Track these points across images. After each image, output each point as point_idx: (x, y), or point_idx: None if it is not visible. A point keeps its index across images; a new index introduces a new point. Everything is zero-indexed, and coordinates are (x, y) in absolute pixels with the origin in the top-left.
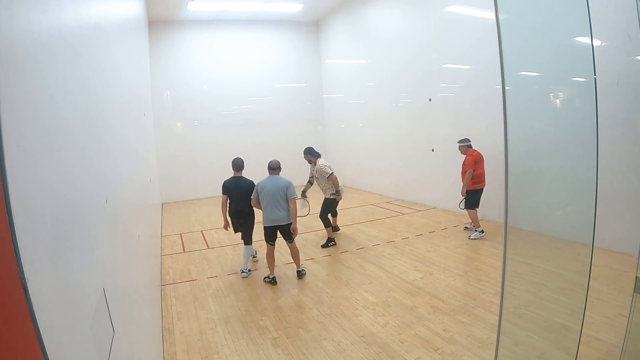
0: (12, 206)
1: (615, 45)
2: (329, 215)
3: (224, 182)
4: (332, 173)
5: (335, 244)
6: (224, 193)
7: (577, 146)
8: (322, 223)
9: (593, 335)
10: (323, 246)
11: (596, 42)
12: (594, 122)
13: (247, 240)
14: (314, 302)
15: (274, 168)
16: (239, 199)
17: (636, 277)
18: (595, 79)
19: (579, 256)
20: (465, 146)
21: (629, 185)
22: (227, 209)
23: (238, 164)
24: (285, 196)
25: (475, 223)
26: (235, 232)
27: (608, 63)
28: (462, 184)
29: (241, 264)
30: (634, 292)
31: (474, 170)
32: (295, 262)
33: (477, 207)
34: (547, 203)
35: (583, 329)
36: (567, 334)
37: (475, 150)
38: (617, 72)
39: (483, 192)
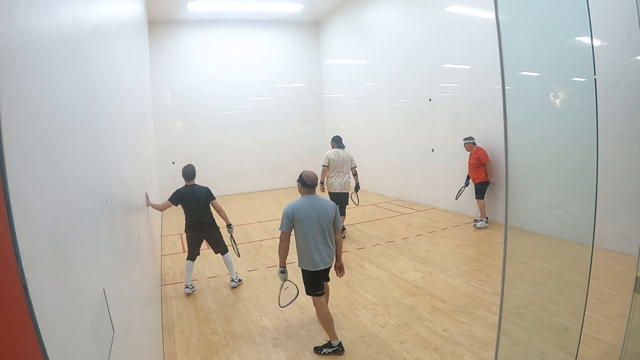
0: (12, 206)
1: (615, 45)
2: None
3: (177, 190)
4: (323, 165)
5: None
6: (175, 202)
7: (577, 146)
8: None
9: (593, 335)
10: None
11: (596, 42)
12: (594, 122)
13: (223, 249)
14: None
15: (312, 185)
16: (200, 209)
17: (636, 277)
18: (595, 79)
19: (579, 256)
20: (471, 143)
21: (629, 186)
22: (185, 221)
23: (189, 173)
24: (332, 226)
25: (482, 213)
26: (192, 251)
27: (608, 63)
28: (467, 180)
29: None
30: (634, 292)
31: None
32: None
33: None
34: (547, 203)
35: (583, 329)
36: (567, 334)
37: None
38: (617, 73)
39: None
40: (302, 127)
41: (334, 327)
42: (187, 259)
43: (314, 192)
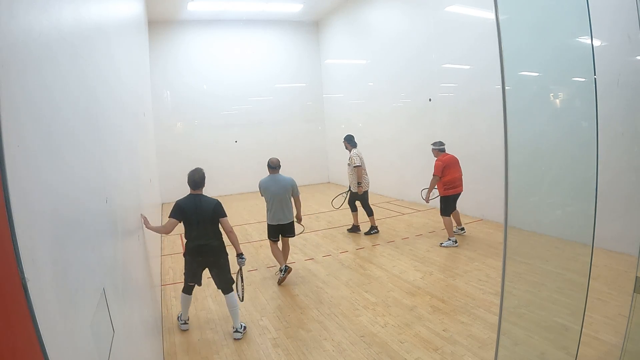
0: (12, 206)
1: (614, 45)
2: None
3: (177, 201)
4: (358, 165)
5: (377, 232)
6: (175, 217)
7: (577, 146)
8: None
9: (593, 335)
10: (366, 233)
11: (596, 42)
12: (594, 121)
13: (227, 286)
14: (314, 302)
15: (275, 167)
16: (204, 227)
17: (636, 277)
18: (595, 78)
19: (579, 256)
20: (437, 150)
21: (628, 185)
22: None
23: (195, 179)
24: (291, 195)
25: (448, 232)
26: (190, 280)
27: (608, 63)
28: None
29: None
30: (634, 292)
31: (444, 176)
32: (284, 258)
33: (451, 213)
34: (547, 203)
35: (583, 329)
36: (567, 334)
37: (448, 155)
38: (617, 72)
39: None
40: (302, 127)
41: (281, 259)
42: (182, 290)
43: (276, 172)
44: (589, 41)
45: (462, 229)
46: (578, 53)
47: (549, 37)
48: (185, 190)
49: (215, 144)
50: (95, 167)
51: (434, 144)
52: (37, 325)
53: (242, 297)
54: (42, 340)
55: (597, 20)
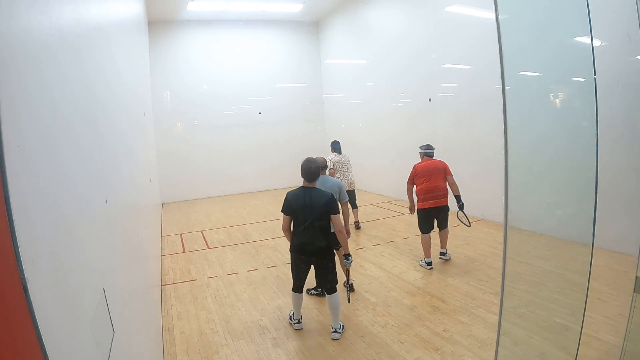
0: (12, 206)
1: (615, 45)
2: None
3: (286, 195)
4: (331, 168)
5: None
6: (284, 212)
7: (577, 146)
8: None
9: (593, 335)
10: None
11: (596, 42)
12: (594, 122)
13: (330, 286)
14: (314, 302)
15: (322, 168)
16: (311, 224)
17: (636, 277)
18: (595, 79)
19: (579, 256)
20: (421, 153)
21: (628, 185)
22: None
23: (312, 170)
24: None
25: (424, 251)
26: (296, 279)
27: (608, 63)
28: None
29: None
30: (634, 292)
31: (418, 184)
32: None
33: (429, 230)
34: (547, 203)
35: (583, 329)
36: (567, 334)
37: (428, 160)
38: (617, 72)
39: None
40: (302, 127)
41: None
42: (292, 289)
43: (323, 173)
44: (589, 41)
45: (444, 253)
46: (578, 53)
47: (549, 37)
48: (183, 191)
49: (215, 144)
50: (95, 167)
51: (420, 147)
52: (37, 325)
53: (349, 298)
54: (42, 340)
55: (597, 20)
